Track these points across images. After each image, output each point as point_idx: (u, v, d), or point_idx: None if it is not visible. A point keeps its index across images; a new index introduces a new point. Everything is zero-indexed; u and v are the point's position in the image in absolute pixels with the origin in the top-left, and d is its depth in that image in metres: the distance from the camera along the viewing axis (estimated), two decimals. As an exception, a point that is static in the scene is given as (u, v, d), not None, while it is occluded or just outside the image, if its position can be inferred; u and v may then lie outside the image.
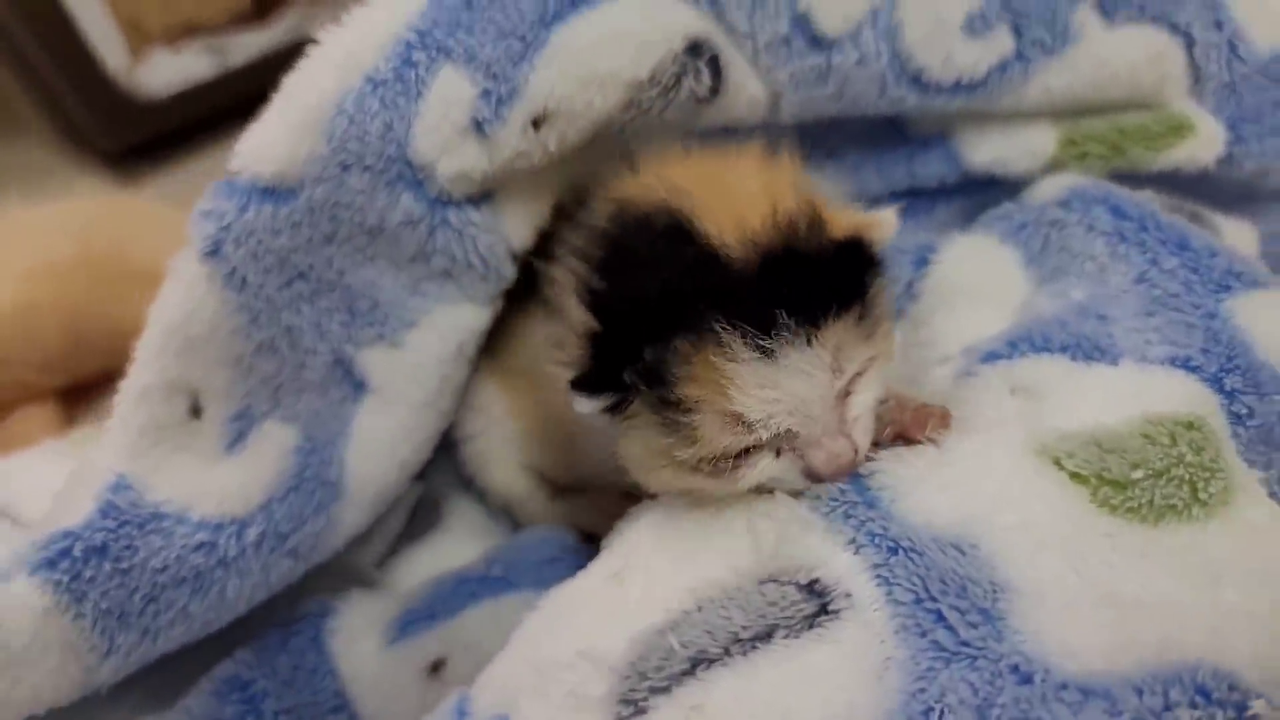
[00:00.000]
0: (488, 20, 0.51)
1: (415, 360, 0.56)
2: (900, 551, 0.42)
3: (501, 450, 0.64)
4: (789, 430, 0.42)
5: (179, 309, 0.51)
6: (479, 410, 0.62)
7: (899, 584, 0.41)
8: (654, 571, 0.46)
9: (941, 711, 0.37)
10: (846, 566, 0.42)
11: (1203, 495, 0.43)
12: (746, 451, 0.43)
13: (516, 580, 0.60)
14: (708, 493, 0.45)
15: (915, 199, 0.70)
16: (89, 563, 0.48)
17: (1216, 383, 0.49)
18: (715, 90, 0.55)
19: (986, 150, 0.66)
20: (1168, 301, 0.53)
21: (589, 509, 0.65)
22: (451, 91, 0.50)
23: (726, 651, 0.41)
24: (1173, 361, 0.50)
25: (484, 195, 0.54)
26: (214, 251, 0.50)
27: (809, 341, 0.41)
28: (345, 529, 0.56)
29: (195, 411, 0.53)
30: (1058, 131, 0.66)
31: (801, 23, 0.57)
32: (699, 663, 0.41)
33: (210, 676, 0.55)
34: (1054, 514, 0.43)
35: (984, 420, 0.47)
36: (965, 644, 0.39)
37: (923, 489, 0.44)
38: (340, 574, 0.62)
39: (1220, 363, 0.49)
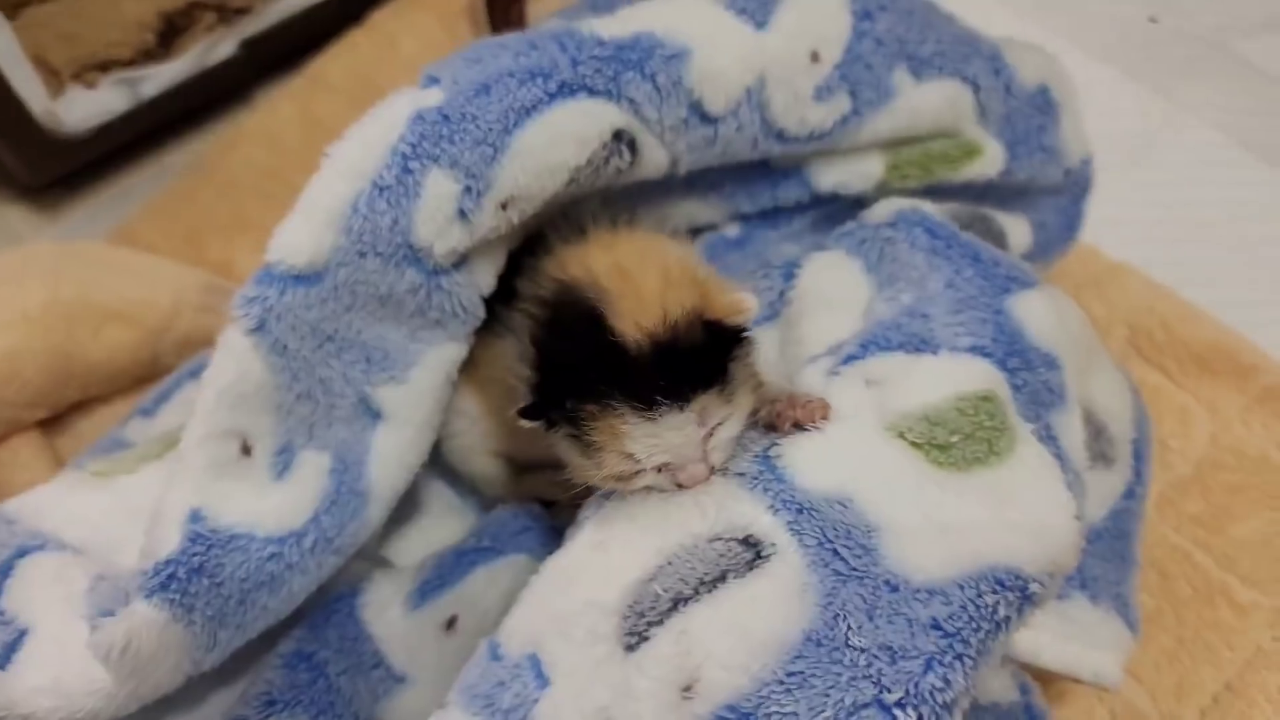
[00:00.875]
0: (463, 132, 0.65)
1: (417, 391, 0.70)
2: (804, 511, 0.58)
3: (477, 443, 0.80)
4: (665, 461, 0.59)
5: (231, 373, 0.63)
6: (460, 413, 0.78)
7: (806, 533, 0.57)
8: (628, 540, 0.61)
9: (844, 615, 0.54)
10: (769, 524, 0.58)
11: (996, 448, 0.59)
12: (637, 471, 0.60)
13: (502, 548, 0.77)
14: (616, 488, 0.62)
15: (777, 215, 0.88)
16: (192, 581, 0.61)
17: (1002, 364, 0.65)
18: (632, 162, 0.72)
19: (831, 176, 0.83)
20: (968, 302, 0.70)
21: (541, 483, 0.81)
22: (441, 189, 0.64)
23: (696, 592, 0.57)
24: (973, 350, 0.66)
25: (462, 260, 0.69)
26: (259, 327, 0.63)
27: (681, 409, 0.57)
28: (372, 526, 0.71)
29: (246, 450, 0.66)
30: (884, 159, 0.83)
31: (695, 108, 0.73)
32: (679, 601, 0.57)
33: (277, 653, 0.70)
34: (901, 472, 0.59)
35: (849, 408, 0.63)
36: (854, 570, 0.56)
37: (812, 464, 0.60)
38: (356, 557, 0.77)
39: (1005, 348, 0.66)
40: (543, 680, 0.59)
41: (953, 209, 0.84)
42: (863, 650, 0.53)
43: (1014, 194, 0.91)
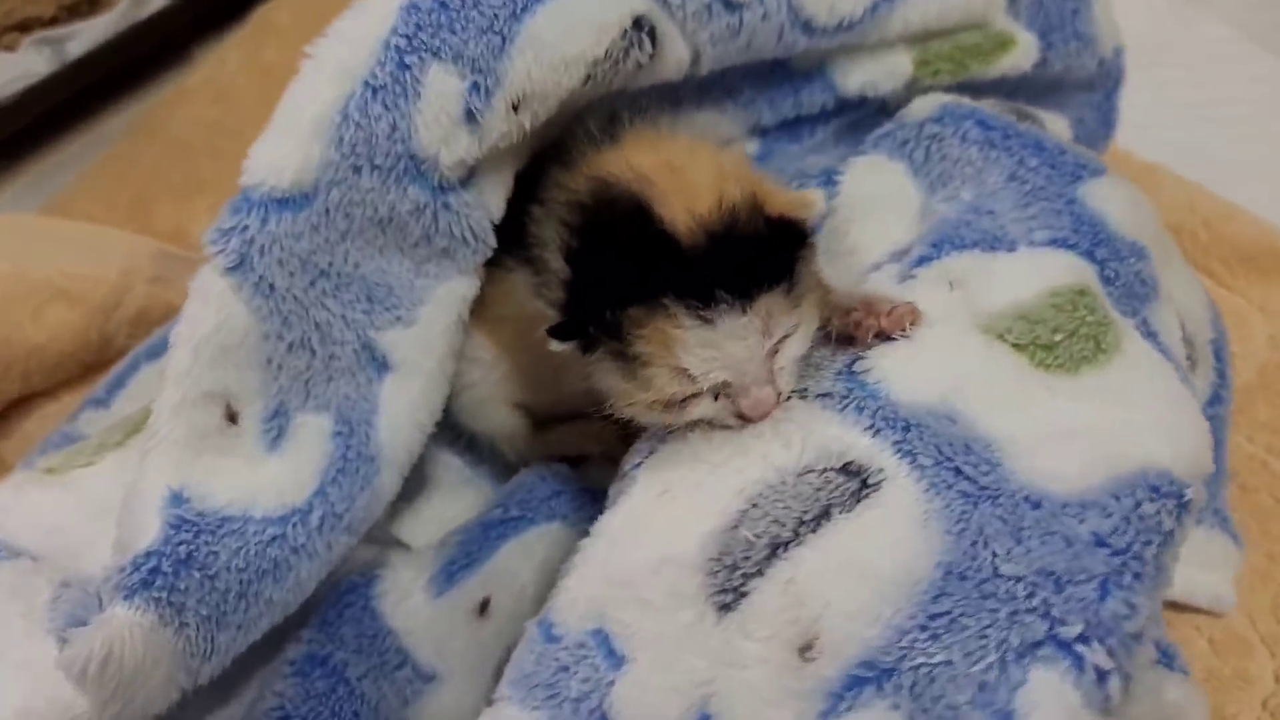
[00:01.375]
0: (465, 19, 0.55)
1: (426, 334, 0.60)
2: (910, 428, 0.51)
3: (494, 393, 0.70)
4: (724, 381, 0.51)
5: (208, 322, 0.53)
6: (472, 360, 0.68)
7: (919, 453, 0.50)
8: (697, 483, 0.53)
9: (985, 541, 0.47)
10: (870, 448, 0.51)
11: (1104, 345, 0.54)
12: (691, 395, 0.51)
13: (533, 516, 0.67)
14: (665, 422, 0.54)
15: (798, 126, 0.80)
16: (179, 575, 0.51)
17: (1089, 255, 0.60)
18: (653, 55, 0.62)
19: (858, 76, 0.76)
20: (1037, 194, 0.64)
21: (571, 436, 0.72)
22: (444, 87, 0.55)
23: (796, 534, 0.49)
24: (1054, 243, 0.61)
25: (470, 176, 0.59)
26: (239, 265, 0.53)
27: (743, 311, 0.49)
28: (385, 497, 0.61)
29: (231, 417, 0.55)
30: (912, 54, 0.76)
31: (720, -8, 0.64)
32: (777, 546, 0.49)
33: (286, 660, 0.59)
34: (1008, 378, 0.53)
35: (937, 312, 0.56)
36: (984, 488, 0.49)
37: (908, 375, 0.53)
38: (365, 540, 0.66)
39: (1089, 239, 0.61)
40: (616, 658, 0.51)
41: (993, 105, 0.77)
42: (1018, 579, 0.46)
43: (1048, 89, 0.84)
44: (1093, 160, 0.68)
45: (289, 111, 0.53)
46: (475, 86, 0.56)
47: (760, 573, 0.49)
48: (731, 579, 0.50)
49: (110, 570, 0.51)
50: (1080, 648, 0.43)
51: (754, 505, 0.51)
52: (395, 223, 0.57)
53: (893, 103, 0.78)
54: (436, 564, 0.65)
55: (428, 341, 0.61)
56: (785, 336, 0.52)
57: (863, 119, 0.79)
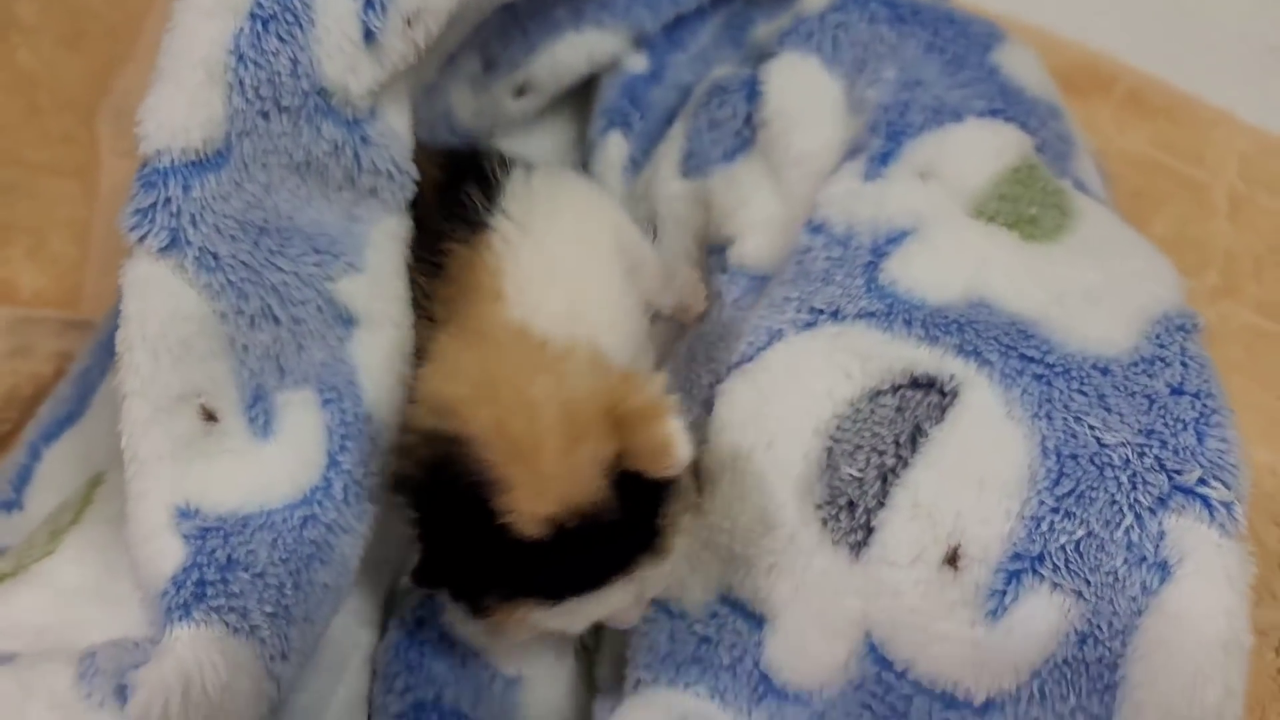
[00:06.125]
0: None
1: (379, 278, 0.57)
2: (960, 327, 0.52)
3: None
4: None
5: (157, 316, 0.47)
6: None
7: (982, 350, 0.51)
8: (769, 441, 0.53)
9: (1077, 417, 0.49)
10: (932, 356, 0.52)
11: (1066, 210, 0.58)
12: None
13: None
14: None
15: (680, 31, 0.78)
16: (228, 581, 0.46)
17: (1024, 126, 0.61)
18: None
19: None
20: (960, 62, 0.65)
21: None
22: (338, 9, 0.51)
23: (899, 458, 0.50)
24: (993, 113, 0.62)
25: (377, 106, 0.56)
26: (172, 243, 0.48)
27: (605, 586, 0.47)
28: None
29: (209, 417, 0.50)
30: None
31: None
32: (886, 475, 0.50)
33: (393, 715, 0.57)
34: (1013, 257, 0.55)
35: (926, 207, 0.57)
36: (1052, 366, 0.50)
37: (933, 276, 0.55)
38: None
39: (1019, 109, 0.62)
40: (755, 619, 0.52)
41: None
42: (1124, 444, 0.48)
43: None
44: (991, 24, 0.69)
45: (173, 59, 0.47)
46: (369, 3, 0.52)
47: (881, 504, 0.50)
48: (855, 518, 0.50)
49: (150, 601, 0.46)
50: (1203, 489, 0.46)
51: (835, 441, 0.52)
52: (314, 167, 0.53)
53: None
54: None
55: (383, 286, 0.57)
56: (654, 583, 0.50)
57: (738, 13, 0.78)
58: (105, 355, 0.66)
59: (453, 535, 0.48)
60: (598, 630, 0.62)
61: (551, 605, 0.47)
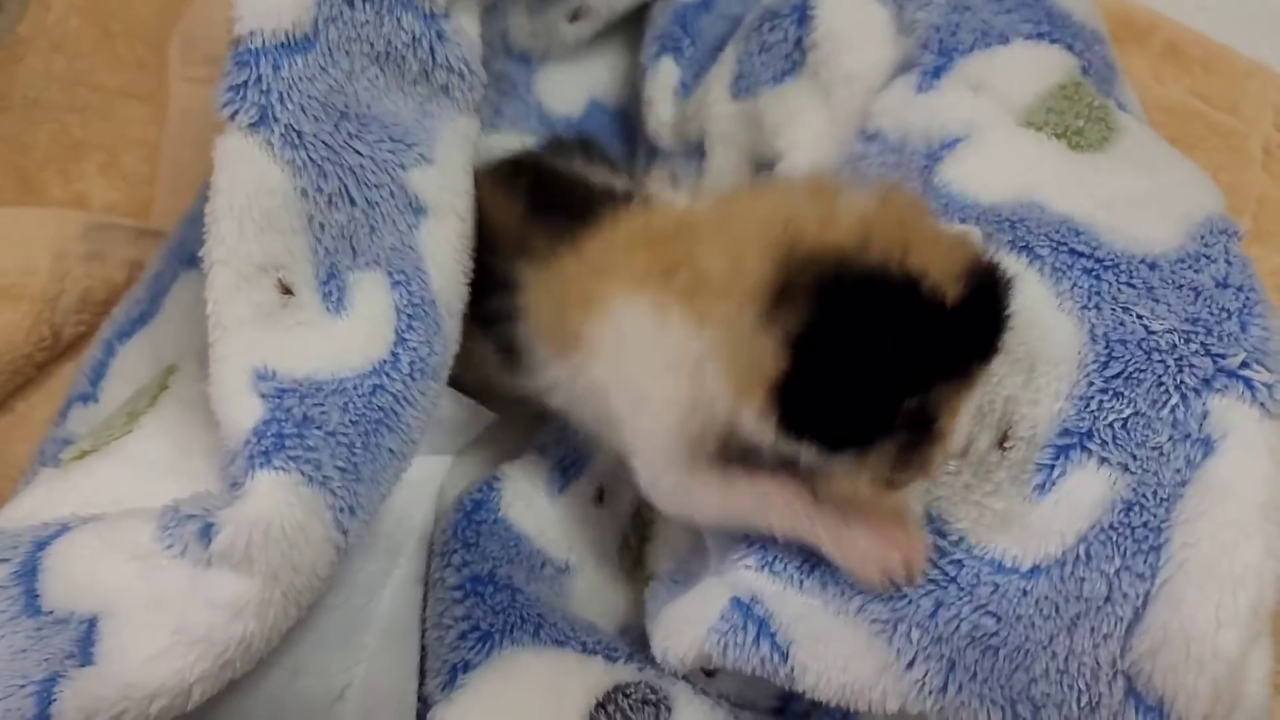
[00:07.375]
0: None
1: (448, 171, 0.60)
2: (1012, 224, 0.54)
3: None
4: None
5: (244, 188, 0.50)
6: None
7: (1033, 244, 0.53)
8: None
9: (1125, 308, 0.51)
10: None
11: (1110, 125, 0.59)
12: None
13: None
14: None
15: None
16: (304, 435, 0.49)
17: (1070, 49, 0.62)
18: None
19: None
20: None
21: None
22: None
23: None
24: (1039, 36, 0.63)
25: (451, 7, 0.59)
26: (260, 120, 0.50)
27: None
28: (452, 346, 0.60)
29: (286, 290, 0.53)
30: None
31: None
32: None
33: (450, 588, 0.59)
34: (1061, 165, 0.57)
35: (981, 116, 0.59)
36: (1101, 260, 0.52)
37: (985, 178, 0.56)
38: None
39: (1063, 31, 0.63)
40: None
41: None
42: (1170, 331, 0.50)
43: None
44: None
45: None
46: (446, -96, 0.55)
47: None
48: None
49: (230, 456, 0.48)
50: (1246, 372, 0.48)
51: None
52: (393, 58, 0.56)
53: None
54: (546, 468, 0.66)
55: (452, 179, 0.60)
56: None
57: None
58: (177, 261, 0.70)
59: (889, 343, 0.43)
60: (647, 524, 0.64)
61: (963, 379, 0.44)
